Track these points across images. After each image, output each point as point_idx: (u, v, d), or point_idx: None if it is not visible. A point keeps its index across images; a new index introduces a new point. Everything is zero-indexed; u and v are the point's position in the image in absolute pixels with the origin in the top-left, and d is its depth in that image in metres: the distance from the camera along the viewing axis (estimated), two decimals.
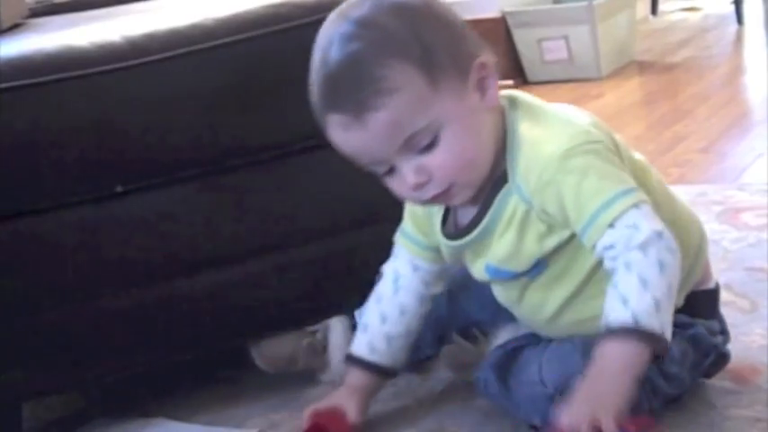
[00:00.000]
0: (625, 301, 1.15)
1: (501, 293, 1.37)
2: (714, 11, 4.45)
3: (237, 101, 1.47)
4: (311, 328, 1.57)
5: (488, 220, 1.27)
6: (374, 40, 1.19)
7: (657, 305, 1.15)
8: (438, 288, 1.43)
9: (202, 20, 1.49)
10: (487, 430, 1.38)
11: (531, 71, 3.70)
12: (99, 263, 1.44)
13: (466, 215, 1.30)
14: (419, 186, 1.22)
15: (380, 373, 1.43)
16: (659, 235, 1.17)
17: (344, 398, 1.41)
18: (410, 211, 1.39)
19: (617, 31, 3.62)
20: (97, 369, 1.49)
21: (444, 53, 1.20)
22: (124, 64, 1.40)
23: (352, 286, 1.56)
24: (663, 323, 1.16)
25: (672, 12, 4.60)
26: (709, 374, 1.37)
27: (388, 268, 1.43)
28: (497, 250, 1.28)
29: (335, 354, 1.55)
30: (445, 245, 1.34)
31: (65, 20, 1.78)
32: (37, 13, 1.98)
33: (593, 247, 1.19)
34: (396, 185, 1.25)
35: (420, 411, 1.46)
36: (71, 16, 1.85)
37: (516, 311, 1.38)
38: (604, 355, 1.15)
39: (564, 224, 1.23)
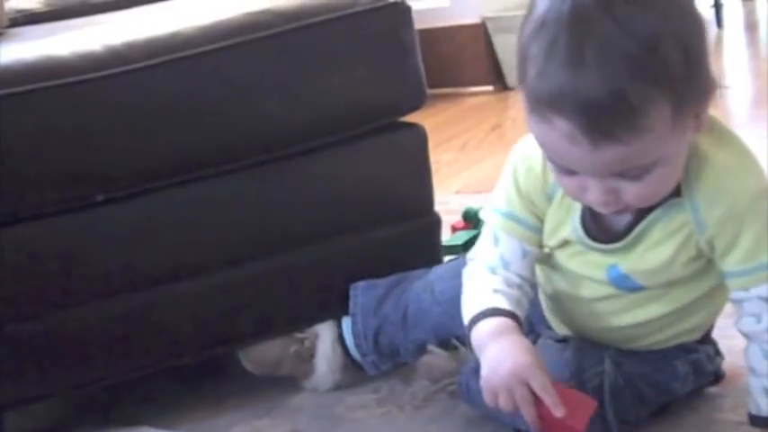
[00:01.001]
0: None
1: (573, 286, 1.30)
2: None
3: (219, 108, 1.47)
4: (300, 335, 1.57)
5: (643, 228, 1.20)
6: (647, 61, 1.02)
7: None
8: (534, 276, 1.32)
9: (183, 28, 1.48)
10: None
11: (511, 76, 3.71)
12: (80, 272, 1.44)
13: (615, 217, 1.21)
14: (602, 204, 1.13)
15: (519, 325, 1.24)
16: None
17: (527, 351, 1.18)
18: (521, 193, 1.26)
19: None
20: (80, 378, 1.48)
21: (697, 87, 1.07)
22: (104, 73, 1.39)
23: (338, 293, 1.56)
24: None
25: None
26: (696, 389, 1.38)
27: (487, 255, 1.29)
28: (645, 261, 1.22)
29: (322, 363, 1.55)
30: (587, 245, 1.24)
31: (44, 29, 1.78)
32: (17, 22, 1.97)
33: (745, 290, 1.19)
34: (571, 187, 1.14)
35: (403, 417, 1.46)
36: (51, 25, 1.85)
37: (563, 305, 1.33)
38: None
39: (718, 257, 1.19)
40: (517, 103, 3.52)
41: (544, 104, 1.05)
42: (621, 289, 1.26)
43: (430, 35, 3.59)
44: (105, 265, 1.45)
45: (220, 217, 1.51)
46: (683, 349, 1.33)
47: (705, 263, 1.22)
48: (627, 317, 1.29)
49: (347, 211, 1.59)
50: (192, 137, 1.46)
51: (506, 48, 3.67)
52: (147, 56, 1.42)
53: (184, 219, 1.49)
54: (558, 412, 1.12)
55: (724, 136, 1.19)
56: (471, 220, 1.99)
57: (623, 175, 1.09)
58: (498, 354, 1.18)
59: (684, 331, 1.32)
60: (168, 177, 1.46)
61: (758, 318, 1.19)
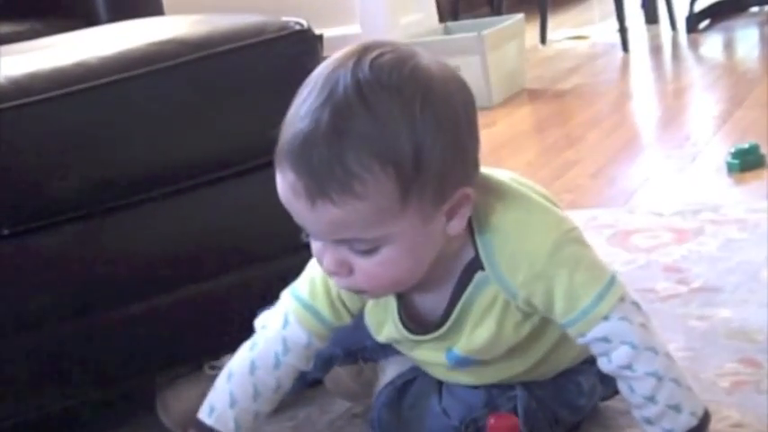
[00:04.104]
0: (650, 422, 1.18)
1: (431, 370, 1.32)
2: (601, 39, 4.55)
3: (124, 140, 1.45)
4: (211, 372, 1.54)
5: (460, 310, 1.21)
6: (371, 127, 1.04)
7: (678, 407, 1.17)
8: (310, 364, 1.32)
9: (87, 58, 1.47)
10: None
11: None
12: None
13: (429, 303, 1.23)
14: (334, 274, 1.14)
15: None
16: (646, 326, 1.18)
17: None
18: (330, 292, 1.26)
19: (507, 60, 3.67)
20: None
21: (434, 176, 1.07)
22: (5, 105, 1.36)
23: (241, 324, 1.55)
24: (693, 410, 1.18)
25: (560, 40, 4.68)
26: (605, 398, 1.39)
27: (274, 333, 1.28)
28: (473, 341, 1.23)
29: None
30: (411, 340, 1.26)
31: None
32: None
33: (582, 335, 1.17)
34: (315, 251, 1.15)
35: None
36: None
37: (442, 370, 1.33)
38: None
39: (545, 313, 1.19)
40: None
41: (280, 153, 1.08)
42: (469, 367, 1.27)
43: None
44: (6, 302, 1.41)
45: (119, 252, 1.48)
46: (586, 362, 1.32)
47: (540, 318, 1.22)
48: (498, 375, 1.30)
49: (253, 242, 1.58)
50: (97, 170, 1.44)
51: None
52: (50, 87, 1.40)
53: (86, 254, 1.46)
54: None
55: (511, 197, 1.19)
56: None
57: (351, 246, 1.10)
58: None
59: (570, 358, 1.32)
60: (71, 211, 1.43)
61: (608, 357, 1.18)
